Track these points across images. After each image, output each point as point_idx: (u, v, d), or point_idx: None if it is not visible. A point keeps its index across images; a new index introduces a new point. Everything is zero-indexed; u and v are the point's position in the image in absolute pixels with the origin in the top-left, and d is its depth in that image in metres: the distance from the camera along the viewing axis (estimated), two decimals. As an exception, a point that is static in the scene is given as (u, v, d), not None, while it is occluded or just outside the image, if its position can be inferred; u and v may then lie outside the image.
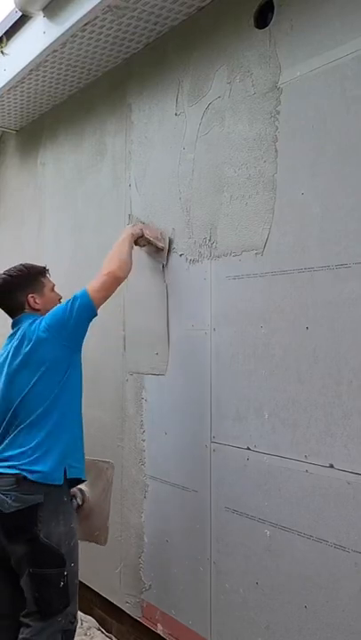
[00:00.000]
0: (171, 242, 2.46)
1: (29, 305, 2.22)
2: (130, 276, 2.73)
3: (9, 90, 3.18)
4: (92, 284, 2.17)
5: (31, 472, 2.00)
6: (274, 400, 1.97)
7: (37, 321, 2.14)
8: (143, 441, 2.60)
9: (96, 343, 2.90)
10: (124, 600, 2.69)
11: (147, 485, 2.58)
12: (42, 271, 2.31)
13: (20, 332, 2.18)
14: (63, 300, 2.26)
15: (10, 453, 2.05)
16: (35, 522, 1.98)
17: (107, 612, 2.85)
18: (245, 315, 2.10)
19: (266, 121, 2.04)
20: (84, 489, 2.28)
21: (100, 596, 2.85)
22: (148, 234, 2.46)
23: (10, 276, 2.24)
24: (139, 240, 2.45)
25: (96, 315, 2.15)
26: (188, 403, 2.36)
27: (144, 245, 2.51)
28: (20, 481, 1.99)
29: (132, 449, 2.68)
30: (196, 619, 2.28)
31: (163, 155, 2.55)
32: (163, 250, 2.49)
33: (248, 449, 2.06)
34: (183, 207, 2.42)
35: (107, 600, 2.81)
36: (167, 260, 2.47)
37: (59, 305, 2.19)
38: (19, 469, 2.00)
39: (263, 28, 2.07)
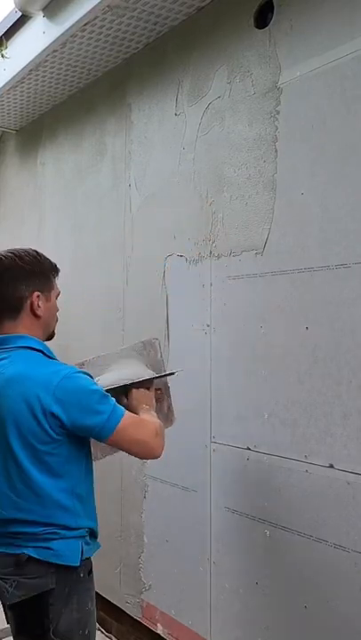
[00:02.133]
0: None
1: (31, 307, 1.63)
2: (129, 276, 2.74)
3: (9, 90, 3.18)
4: (133, 428, 1.58)
5: (39, 549, 1.52)
6: (274, 400, 1.97)
7: (37, 383, 1.51)
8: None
9: (96, 343, 2.90)
10: (124, 600, 2.69)
11: (147, 485, 2.58)
12: (55, 269, 1.74)
13: (6, 375, 1.55)
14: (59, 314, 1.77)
15: (8, 526, 1.56)
16: (46, 613, 1.51)
17: (106, 612, 2.85)
18: (245, 315, 2.10)
19: (266, 121, 2.04)
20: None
21: (100, 595, 2.84)
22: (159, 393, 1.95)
23: (19, 258, 1.64)
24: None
25: (104, 438, 1.58)
26: (187, 402, 2.36)
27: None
28: (22, 562, 1.51)
29: (131, 449, 2.67)
30: (196, 619, 2.28)
31: (163, 155, 2.55)
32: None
33: (248, 449, 2.06)
34: (183, 207, 2.42)
35: (106, 600, 2.81)
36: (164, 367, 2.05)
37: (85, 402, 1.53)
38: (22, 547, 1.53)
39: (263, 28, 2.07)
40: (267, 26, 2.05)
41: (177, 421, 2.43)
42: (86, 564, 1.60)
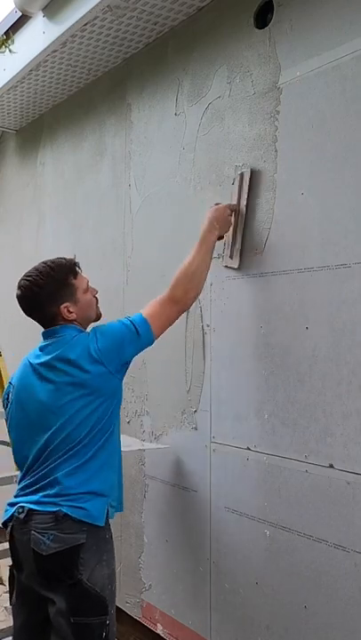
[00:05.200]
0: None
1: (63, 316, 1.90)
2: (129, 276, 2.74)
3: (9, 90, 3.18)
4: (153, 310, 1.92)
5: (74, 508, 1.75)
6: (274, 400, 1.97)
7: (82, 339, 1.85)
8: (143, 441, 2.60)
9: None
10: (124, 600, 2.69)
11: (147, 485, 2.58)
12: (71, 269, 1.95)
13: (54, 348, 1.87)
14: (99, 297, 2.05)
15: (48, 488, 1.79)
16: (76, 564, 1.73)
17: (106, 612, 2.85)
18: (245, 315, 2.10)
19: (266, 121, 2.04)
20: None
21: (100, 596, 2.85)
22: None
23: (37, 285, 1.88)
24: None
25: (151, 345, 1.92)
26: (187, 403, 2.36)
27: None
28: (60, 518, 1.73)
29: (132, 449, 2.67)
30: (196, 619, 2.28)
31: (162, 155, 2.55)
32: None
33: (248, 449, 2.06)
34: (183, 207, 2.41)
35: (106, 600, 2.81)
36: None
37: (113, 324, 1.90)
38: (59, 505, 1.75)
39: (263, 27, 2.07)
40: (267, 26, 2.05)
41: (177, 420, 2.44)
42: (109, 527, 1.86)
